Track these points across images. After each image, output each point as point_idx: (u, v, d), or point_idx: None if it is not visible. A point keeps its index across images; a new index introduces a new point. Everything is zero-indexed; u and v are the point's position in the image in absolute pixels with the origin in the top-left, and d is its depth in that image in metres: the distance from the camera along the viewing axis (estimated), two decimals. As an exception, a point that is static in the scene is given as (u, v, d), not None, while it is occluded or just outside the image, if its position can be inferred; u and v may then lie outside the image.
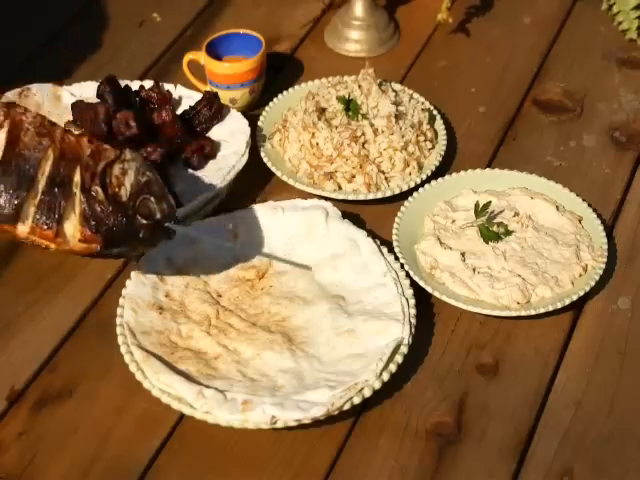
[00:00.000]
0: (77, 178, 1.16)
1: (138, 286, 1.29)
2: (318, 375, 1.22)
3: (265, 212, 1.37)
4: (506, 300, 1.30)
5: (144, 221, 1.19)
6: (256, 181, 1.47)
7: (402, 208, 1.41)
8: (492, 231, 1.37)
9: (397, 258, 1.34)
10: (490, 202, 1.38)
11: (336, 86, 1.54)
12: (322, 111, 1.50)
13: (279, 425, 1.16)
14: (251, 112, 1.57)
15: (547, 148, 1.54)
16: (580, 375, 1.25)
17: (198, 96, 1.52)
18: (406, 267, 1.32)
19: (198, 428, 1.19)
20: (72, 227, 1.17)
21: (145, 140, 1.43)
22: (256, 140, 1.51)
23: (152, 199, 1.20)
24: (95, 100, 1.51)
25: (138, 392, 1.20)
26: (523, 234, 1.37)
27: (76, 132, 1.21)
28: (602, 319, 1.31)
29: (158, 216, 1.20)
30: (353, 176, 1.45)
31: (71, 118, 1.48)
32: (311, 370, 1.22)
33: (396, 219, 1.39)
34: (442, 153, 1.50)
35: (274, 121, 1.54)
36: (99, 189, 1.17)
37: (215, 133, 1.49)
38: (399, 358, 1.22)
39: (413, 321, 1.26)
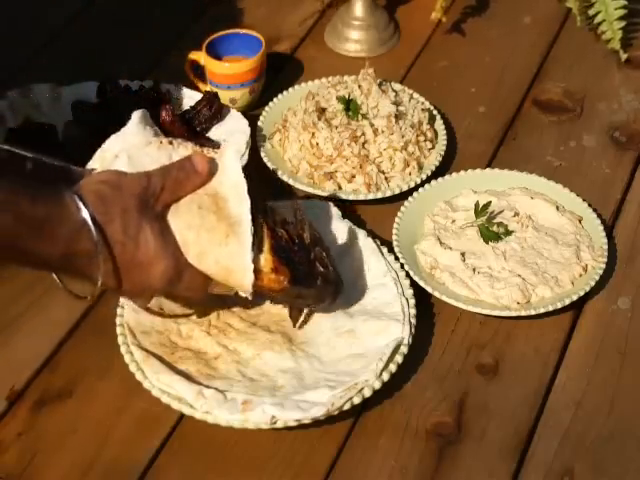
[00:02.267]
0: (261, 220, 1.18)
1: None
2: (318, 375, 1.22)
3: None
4: (506, 300, 1.30)
5: (322, 269, 1.21)
6: (256, 181, 1.46)
7: (402, 208, 1.41)
8: (492, 231, 1.37)
9: (397, 258, 1.34)
10: (490, 202, 1.38)
11: (336, 86, 1.54)
12: (322, 111, 1.51)
13: (279, 425, 1.16)
14: (251, 112, 1.57)
15: (547, 148, 1.54)
16: (580, 375, 1.25)
17: (198, 96, 1.52)
18: (406, 267, 1.32)
19: (198, 428, 1.18)
20: (263, 259, 1.17)
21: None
22: (256, 140, 1.51)
23: (324, 254, 1.23)
24: (95, 100, 1.51)
25: (138, 392, 1.20)
26: (523, 234, 1.37)
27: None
28: (602, 319, 1.31)
29: (331, 269, 1.23)
30: (353, 176, 1.45)
31: (71, 118, 1.48)
32: (311, 370, 1.22)
33: (396, 219, 1.39)
34: (442, 153, 1.50)
35: (274, 121, 1.54)
36: (283, 231, 1.19)
37: (215, 133, 1.49)
38: (399, 358, 1.22)
39: (413, 321, 1.26)
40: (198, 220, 1.15)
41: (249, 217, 1.15)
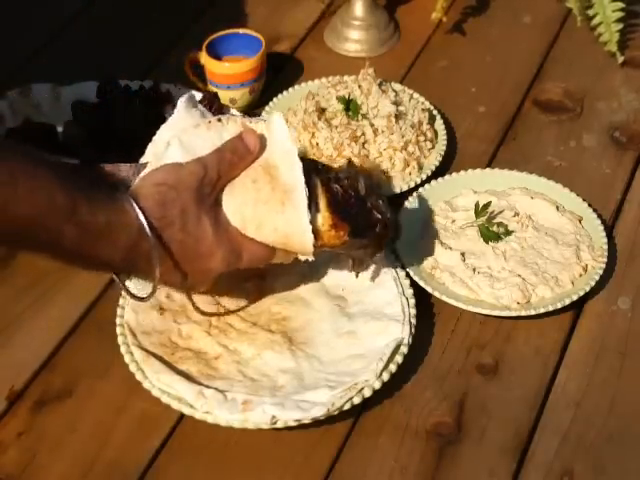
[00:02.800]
0: (315, 180, 1.19)
1: (138, 286, 1.29)
2: (318, 375, 1.22)
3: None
4: (506, 300, 1.30)
5: (379, 215, 1.22)
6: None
7: (402, 208, 1.41)
8: (492, 231, 1.37)
9: (397, 258, 1.34)
10: (490, 202, 1.38)
11: (336, 86, 1.54)
12: (322, 111, 1.50)
13: (279, 425, 1.16)
14: (251, 112, 1.57)
15: (547, 148, 1.54)
16: (580, 375, 1.25)
17: (198, 96, 1.52)
18: (406, 267, 1.32)
19: (198, 428, 1.18)
20: (321, 217, 1.18)
21: (145, 140, 1.43)
22: (256, 140, 1.50)
23: (380, 201, 1.23)
24: (95, 100, 1.51)
25: (138, 392, 1.20)
26: (523, 234, 1.37)
27: None
28: (602, 319, 1.31)
29: (389, 215, 1.23)
30: (353, 176, 1.45)
31: (71, 118, 1.48)
32: (311, 370, 1.22)
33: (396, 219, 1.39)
34: (442, 153, 1.50)
35: (274, 121, 1.54)
36: (338, 186, 1.20)
37: (215, 133, 1.49)
38: (399, 358, 1.22)
39: (413, 321, 1.26)
40: (254, 194, 1.17)
41: (302, 180, 1.16)
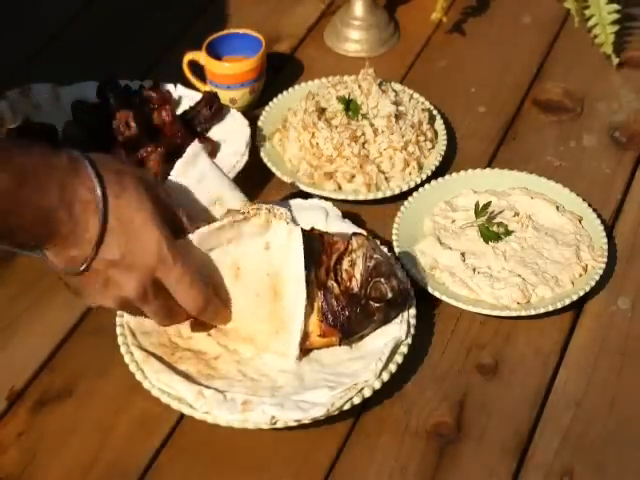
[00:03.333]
0: (313, 276, 1.20)
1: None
2: (318, 376, 1.21)
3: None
4: (506, 300, 1.30)
5: (377, 304, 1.21)
6: (256, 181, 1.47)
7: (402, 208, 1.41)
8: (492, 231, 1.37)
9: (397, 258, 1.34)
10: (490, 202, 1.38)
11: (336, 86, 1.54)
12: (322, 111, 1.50)
13: (279, 425, 1.16)
14: (251, 112, 1.57)
15: (547, 148, 1.54)
16: (580, 375, 1.25)
17: (198, 96, 1.52)
18: (406, 267, 1.32)
19: (198, 428, 1.18)
20: (311, 324, 1.20)
21: (145, 140, 1.43)
22: (256, 140, 1.51)
23: (382, 280, 1.21)
24: (95, 100, 1.51)
25: (138, 392, 1.20)
26: (523, 234, 1.37)
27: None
28: (602, 319, 1.31)
29: (389, 295, 1.22)
30: (353, 176, 1.45)
31: (71, 118, 1.48)
32: (311, 371, 1.22)
33: (396, 219, 1.39)
34: (442, 153, 1.50)
35: (274, 121, 1.54)
36: (334, 283, 1.20)
37: (215, 133, 1.49)
38: (399, 358, 1.22)
39: (413, 321, 1.26)
40: (253, 308, 1.20)
41: (302, 316, 1.19)
